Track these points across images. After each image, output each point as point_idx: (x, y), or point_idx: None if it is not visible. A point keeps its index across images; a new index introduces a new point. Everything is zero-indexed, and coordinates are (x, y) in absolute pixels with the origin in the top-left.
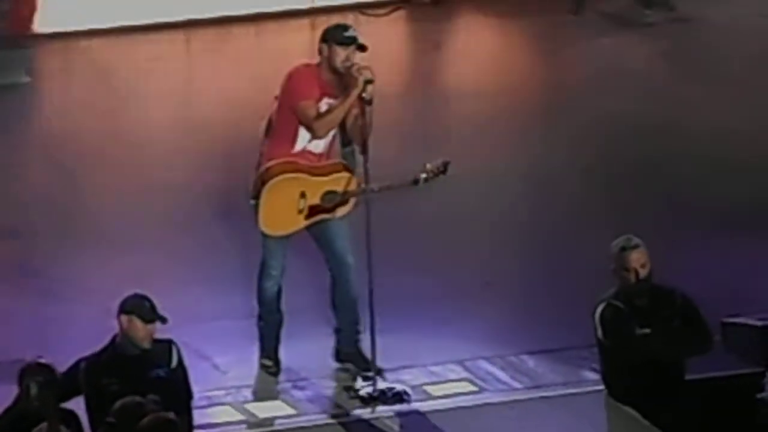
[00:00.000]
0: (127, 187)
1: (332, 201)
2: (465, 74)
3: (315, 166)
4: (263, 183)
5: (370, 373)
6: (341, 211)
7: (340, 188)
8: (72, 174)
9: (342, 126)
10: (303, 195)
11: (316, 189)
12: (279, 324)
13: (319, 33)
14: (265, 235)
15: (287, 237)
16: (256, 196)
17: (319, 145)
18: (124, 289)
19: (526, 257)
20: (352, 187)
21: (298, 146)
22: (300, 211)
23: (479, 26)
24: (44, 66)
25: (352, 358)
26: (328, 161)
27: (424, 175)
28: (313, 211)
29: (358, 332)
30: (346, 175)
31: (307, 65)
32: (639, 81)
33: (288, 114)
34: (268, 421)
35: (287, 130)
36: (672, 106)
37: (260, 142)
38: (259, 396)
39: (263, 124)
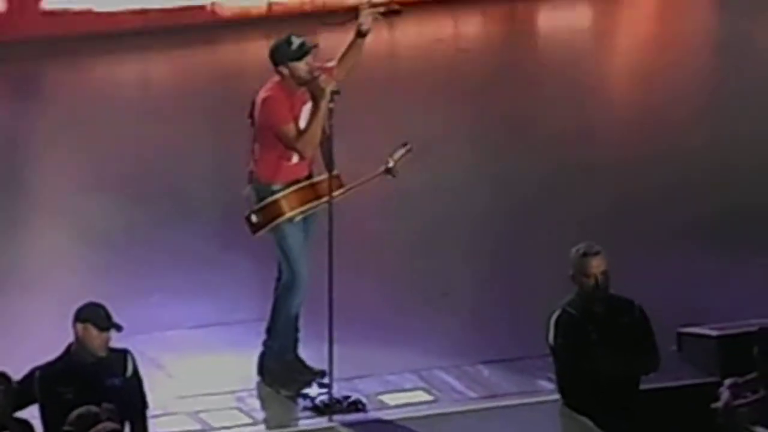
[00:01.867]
0: (84, 193)
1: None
2: (422, 84)
3: (316, 186)
4: (272, 218)
5: (325, 380)
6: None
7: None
8: (25, 176)
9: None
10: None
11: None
12: (292, 346)
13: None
14: (288, 245)
15: (306, 241)
16: (258, 218)
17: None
18: (80, 297)
19: (482, 267)
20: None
21: (295, 158)
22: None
23: (441, 33)
24: None
25: (291, 366)
26: (337, 179)
27: (392, 163)
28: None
29: (297, 339)
30: (323, 199)
31: (274, 86)
32: (596, 92)
33: (272, 137)
34: (224, 431)
35: (278, 149)
36: (632, 117)
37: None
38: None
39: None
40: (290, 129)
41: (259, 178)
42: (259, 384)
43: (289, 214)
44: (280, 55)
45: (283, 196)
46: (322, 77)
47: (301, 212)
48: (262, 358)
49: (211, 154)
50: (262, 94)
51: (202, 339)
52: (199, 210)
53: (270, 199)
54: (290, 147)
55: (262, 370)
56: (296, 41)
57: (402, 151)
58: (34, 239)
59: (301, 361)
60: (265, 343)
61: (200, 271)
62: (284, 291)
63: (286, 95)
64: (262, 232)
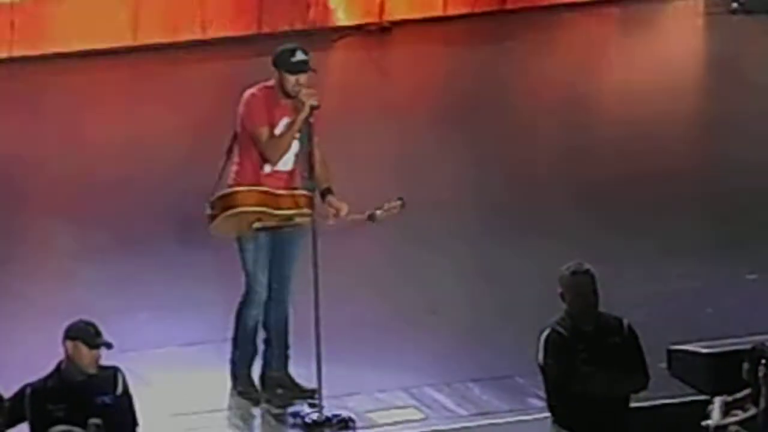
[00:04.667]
0: (73, 210)
1: (288, 219)
2: (414, 101)
3: (279, 197)
4: (224, 208)
5: (315, 400)
6: (300, 219)
7: (296, 219)
8: (15, 196)
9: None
10: (260, 219)
11: (273, 218)
12: (253, 356)
13: (265, 61)
14: (245, 259)
15: (266, 259)
16: (213, 209)
17: (287, 163)
18: (70, 314)
19: (472, 284)
20: (304, 215)
21: (267, 168)
22: (258, 228)
23: (428, 53)
24: None
25: (280, 382)
26: (295, 192)
27: (379, 212)
28: (270, 226)
29: (288, 356)
30: (306, 210)
31: (264, 87)
32: (593, 105)
33: (249, 138)
34: None
35: (253, 154)
36: (621, 135)
37: (222, 157)
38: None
39: (226, 143)
40: (264, 131)
41: (230, 180)
42: (239, 393)
43: (240, 209)
44: (279, 61)
45: (240, 191)
46: (304, 91)
47: (255, 213)
48: (232, 366)
49: (205, 170)
50: (248, 92)
51: (193, 357)
52: (190, 227)
53: (227, 190)
54: (259, 150)
55: (234, 377)
56: (299, 56)
57: (394, 204)
58: (23, 256)
59: (291, 378)
60: (231, 353)
61: (190, 289)
62: (241, 303)
63: (271, 99)
64: (216, 223)
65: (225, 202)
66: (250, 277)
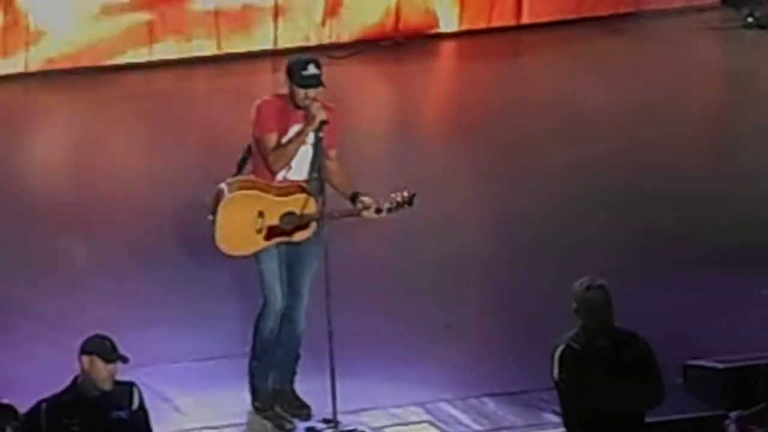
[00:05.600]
0: (88, 226)
1: (291, 223)
2: (425, 116)
3: (272, 186)
4: (219, 198)
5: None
6: (299, 236)
7: (298, 210)
8: (32, 211)
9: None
10: (261, 214)
11: (274, 209)
12: (272, 368)
13: (279, 75)
14: (261, 270)
15: (282, 271)
16: (214, 212)
17: (301, 173)
18: (86, 329)
19: (487, 299)
20: (311, 209)
21: (279, 176)
22: (258, 231)
23: (440, 68)
24: None
25: (283, 397)
26: (286, 182)
27: (387, 205)
28: (272, 232)
29: (295, 372)
30: (303, 196)
31: (276, 96)
32: (607, 120)
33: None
34: None
35: (265, 162)
36: (636, 151)
37: (233, 170)
38: None
39: (240, 155)
40: (270, 138)
41: None
42: (256, 409)
43: (228, 196)
44: (290, 73)
45: (229, 183)
46: (315, 105)
47: (257, 199)
48: (250, 377)
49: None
50: (260, 100)
51: (209, 371)
52: (206, 241)
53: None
54: (264, 157)
55: (252, 391)
56: (311, 70)
57: (403, 196)
58: (37, 271)
59: (294, 393)
60: (249, 363)
61: (206, 304)
62: (258, 315)
63: (282, 108)
64: (211, 219)
65: (216, 197)
66: (266, 288)
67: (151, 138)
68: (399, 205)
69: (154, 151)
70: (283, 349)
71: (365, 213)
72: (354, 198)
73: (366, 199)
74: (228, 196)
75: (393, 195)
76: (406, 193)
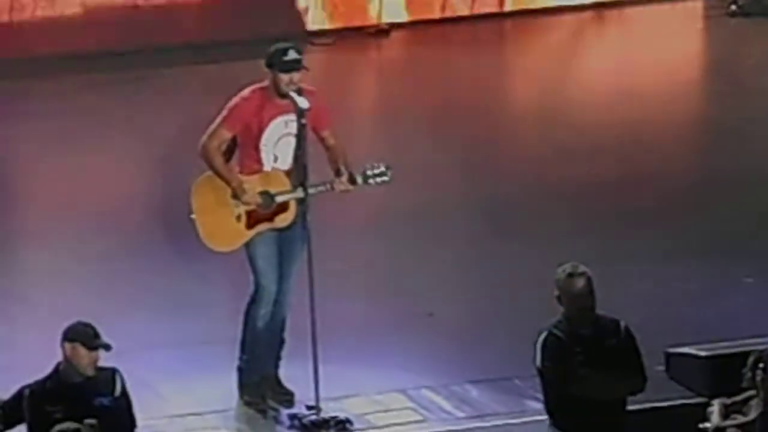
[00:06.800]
0: (73, 210)
1: (268, 205)
2: (411, 103)
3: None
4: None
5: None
6: (281, 220)
7: (272, 188)
8: (14, 193)
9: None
10: (234, 197)
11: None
12: (262, 361)
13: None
14: (254, 255)
15: (275, 255)
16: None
17: (286, 162)
18: (68, 316)
19: (469, 287)
20: (284, 186)
21: (266, 166)
22: (238, 218)
23: (425, 55)
24: None
25: (268, 383)
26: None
27: (361, 176)
28: (253, 219)
29: (280, 357)
30: (275, 174)
31: (258, 90)
32: (591, 107)
33: (242, 137)
34: None
35: (252, 152)
36: (619, 137)
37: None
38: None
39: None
40: (222, 133)
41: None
42: (246, 403)
43: (198, 179)
44: (272, 61)
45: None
46: (294, 93)
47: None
48: (239, 373)
49: (201, 173)
50: (239, 95)
51: (191, 358)
52: (188, 228)
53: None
54: (255, 146)
55: (240, 385)
56: (292, 55)
57: (377, 168)
58: (21, 259)
59: (277, 380)
60: (239, 358)
61: (189, 291)
62: (250, 303)
63: (261, 102)
64: (193, 199)
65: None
66: (259, 274)
67: (135, 126)
68: (375, 176)
69: (139, 139)
70: (269, 333)
71: (339, 185)
72: (336, 174)
73: (344, 175)
74: (198, 180)
75: (367, 166)
76: (380, 165)
